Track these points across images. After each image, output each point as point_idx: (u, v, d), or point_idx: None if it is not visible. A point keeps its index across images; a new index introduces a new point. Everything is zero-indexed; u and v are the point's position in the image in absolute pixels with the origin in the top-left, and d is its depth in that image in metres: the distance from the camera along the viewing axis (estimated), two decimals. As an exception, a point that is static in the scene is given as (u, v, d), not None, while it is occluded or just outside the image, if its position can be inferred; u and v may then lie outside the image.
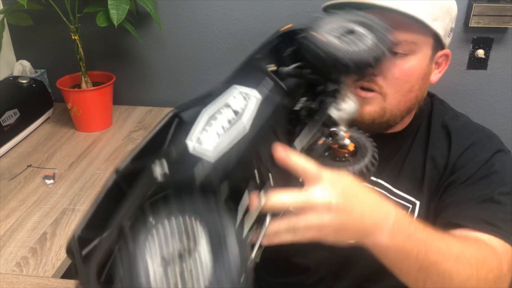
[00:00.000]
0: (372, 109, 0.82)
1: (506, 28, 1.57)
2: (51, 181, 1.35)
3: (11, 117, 1.53)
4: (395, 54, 0.80)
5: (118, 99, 1.85)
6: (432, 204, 0.88)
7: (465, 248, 0.68)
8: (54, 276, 1.00)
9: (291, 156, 0.57)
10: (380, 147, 0.85)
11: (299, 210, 0.55)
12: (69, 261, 1.07)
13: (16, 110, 1.56)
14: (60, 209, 1.23)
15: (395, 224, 0.60)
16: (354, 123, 0.78)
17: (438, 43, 0.86)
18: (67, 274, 1.04)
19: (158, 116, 1.81)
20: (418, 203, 0.89)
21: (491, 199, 0.80)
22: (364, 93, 0.82)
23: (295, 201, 0.55)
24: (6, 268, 1.02)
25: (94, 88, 1.61)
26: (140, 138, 1.63)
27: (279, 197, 0.55)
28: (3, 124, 1.50)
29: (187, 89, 1.88)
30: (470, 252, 0.68)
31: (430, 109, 0.96)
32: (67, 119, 1.73)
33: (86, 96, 1.61)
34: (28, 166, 1.44)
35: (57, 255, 1.06)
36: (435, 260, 0.63)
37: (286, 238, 0.56)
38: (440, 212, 0.85)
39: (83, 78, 1.63)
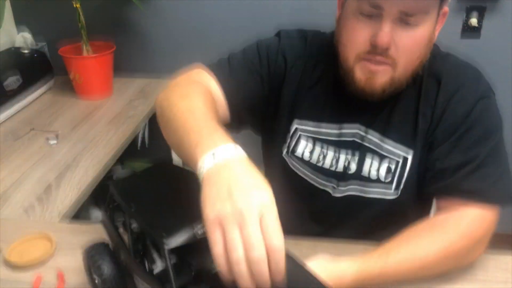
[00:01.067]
0: (383, 80, 0.82)
1: (498, -3, 1.61)
2: (55, 141, 1.38)
3: (14, 82, 1.56)
4: (407, 24, 0.78)
5: (118, 70, 1.88)
6: (423, 157, 0.90)
7: (427, 256, 0.77)
8: (60, 221, 1.04)
9: None
10: (373, 104, 0.88)
11: None
12: (74, 208, 1.11)
13: (18, 76, 1.59)
14: (64, 165, 1.26)
15: (358, 278, 0.72)
16: (364, 92, 0.83)
17: (442, 2, 0.86)
18: (73, 220, 1.08)
19: (157, 87, 1.84)
20: (410, 156, 0.89)
21: (474, 162, 0.82)
22: (375, 67, 0.81)
23: None
24: (14, 214, 1.05)
25: (95, 55, 1.64)
26: (140, 106, 1.66)
27: None
28: (6, 89, 1.53)
29: (186, 59, 1.91)
30: (433, 254, 0.77)
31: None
32: (68, 89, 1.77)
33: (87, 63, 1.64)
34: (31, 129, 1.47)
35: (62, 203, 1.10)
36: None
37: None
38: (427, 171, 0.88)
39: (84, 46, 1.66)
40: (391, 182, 0.90)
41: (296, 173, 0.96)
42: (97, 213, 1.75)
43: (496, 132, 0.86)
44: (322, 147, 0.93)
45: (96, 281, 0.79)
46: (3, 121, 1.52)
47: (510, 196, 0.83)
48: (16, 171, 1.23)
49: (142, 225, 0.67)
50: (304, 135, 0.94)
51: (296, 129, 0.95)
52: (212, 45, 1.96)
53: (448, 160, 0.85)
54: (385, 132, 0.91)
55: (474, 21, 1.65)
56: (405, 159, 0.89)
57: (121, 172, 2.17)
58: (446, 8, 0.89)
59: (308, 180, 0.96)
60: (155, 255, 0.73)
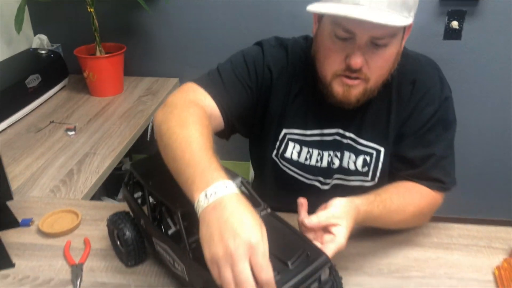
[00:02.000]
0: (357, 92, 0.92)
1: (477, 1, 1.75)
2: (73, 132, 1.53)
3: (34, 80, 1.71)
4: (377, 45, 0.86)
5: (128, 71, 2.03)
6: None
7: (406, 208, 0.95)
8: (83, 199, 1.19)
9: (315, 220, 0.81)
10: (350, 109, 1.00)
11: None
12: (94, 188, 1.26)
13: (38, 75, 1.74)
14: (82, 153, 1.41)
15: (365, 215, 0.87)
16: (341, 103, 0.94)
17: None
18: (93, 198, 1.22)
19: (164, 84, 1.99)
20: (382, 149, 1.02)
21: (437, 155, 0.99)
22: (350, 81, 0.91)
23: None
24: (42, 193, 1.20)
25: (107, 55, 1.79)
26: (149, 101, 1.81)
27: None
28: (28, 86, 1.68)
29: (192, 61, 2.07)
30: (409, 209, 0.95)
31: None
32: (82, 87, 1.92)
33: (100, 63, 1.79)
34: (51, 122, 1.62)
35: (84, 184, 1.24)
36: (392, 218, 0.94)
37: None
38: (397, 159, 1.03)
39: (97, 47, 1.81)
40: (367, 172, 1.04)
41: (286, 172, 1.09)
42: (108, 201, 1.90)
43: (452, 127, 1.02)
44: (308, 148, 1.06)
45: (119, 243, 0.93)
46: (25, 116, 1.66)
47: (455, 180, 1.03)
48: (40, 158, 1.38)
49: (159, 196, 0.81)
50: (292, 139, 1.06)
51: (285, 134, 1.06)
52: (216, 47, 2.12)
53: (414, 151, 1.00)
54: (360, 131, 1.03)
55: (455, 23, 1.80)
56: (378, 152, 1.03)
57: (129, 164, 2.32)
58: (411, 23, 0.94)
59: (298, 177, 1.08)
60: (170, 221, 0.87)
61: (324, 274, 0.69)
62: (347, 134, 1.03)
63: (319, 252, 0.70)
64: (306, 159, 1.06)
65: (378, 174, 1.04)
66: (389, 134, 1.02)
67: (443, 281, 0.88)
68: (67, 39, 2.09)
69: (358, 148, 1.03)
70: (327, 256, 0.70)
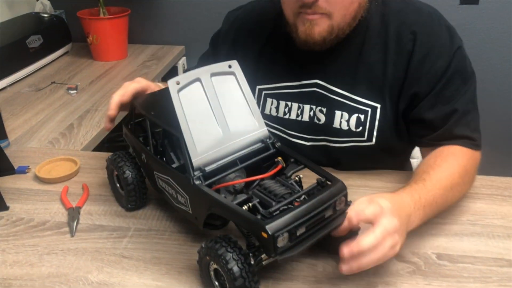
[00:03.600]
0: (320, 29, 0.85)
1: (496, -37, 1.68)
2: (75, 91, 1.48)
3: (35, 41, 1.66)
4: None
5: (133, 39, 1.97)
6: (396, 106, 0.92)
7: (453, 175, 0.83)
8: (82, 150, 1.13)
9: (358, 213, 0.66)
10: (330, 57, 0.92)
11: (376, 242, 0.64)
12: (95, 141, 1.20)
13: (39, 36, 1.68)
14: (84, 109, 1.36)
15: (414, 212, 0.74)
16: (306, 44, 0.88)
17: None
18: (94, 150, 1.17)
19: (169, 51, 1.93)
20: (379, 106, 0.92)
21: (459, 111, 0.89)
22: (310, 16, 0.85)
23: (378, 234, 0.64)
24: (40, 145, 1.15)
25: (111, 16, 1.73)
26: (153, 66, 1.75)
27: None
28: (29, 46, 1.62)
29: (198, 29, 2.00)
30: (456, 175, 0.83)
31: (381, 6, 0.93)
32: (85, 53, 1.86)
33: (104, 24, 1.73)
34: (52, 82, 1.57)
35: (84, 137, 1.19)
36: (445, 203, 0.81)
37: (366, 260, 0.63)
38: (414, 122, 0.92)
39: (101, 9, 1.75)
40: (362, 132, 0.94)
41: (269, 131, 1.01)
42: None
43: (471, 78, 0.92)
44: (286, 102, 0.99)
45: (118, 186, 0.88)
46: (26, 76, 1.61)
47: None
48: (40, 113, 1.32)
49: (162, 124, 0.76)
50: (268, 95, 1.00)
51: (260, 91, 1.00)
52: (223, 15, 2.04)
53: (434, 111, 0.90)
54: (351, 84, 0.93)
55: (473, -13, 1.72)
56: (374, 110, 0.92)
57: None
58: None
59: (281, 134, 1.00)
60: (173, 155, 0.81)
61: (340, 202, 0.64)
62: (335, 86, 0.94)
63: (336, 179, 0.66)
64: (285, 113, 0.99)
65: (375, 133, 0.93)
66: (385, 89, 0.91)
67: (466, 227, 0.81)
68: (70, 6, 2.03)
69: (351, 105, 0.93)
70: (343, 183, 0.65)
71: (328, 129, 0.96)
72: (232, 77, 0.72)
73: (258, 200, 0.65)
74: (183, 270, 0.73)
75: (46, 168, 1.01)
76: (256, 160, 0.72)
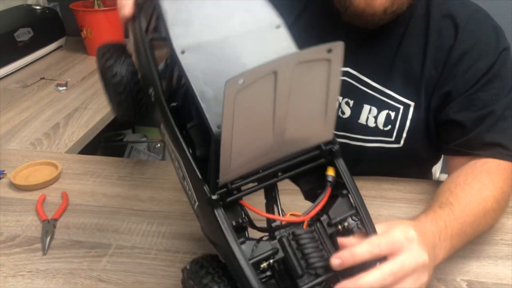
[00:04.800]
0: None
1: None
2: (64, 88, 1.37)
3: (24, 34, 1.55)
4: None
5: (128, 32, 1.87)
6: (429, 106, 0.83)
7: (487, 200, 0.70)
8: (66, 153, 1.03)
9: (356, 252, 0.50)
10: (366, 44, 0.82)
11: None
12: (82, 143, 1.10)
13: (29, 29, 1.58)
14: (72, 108, 1.25)
15: (440, 244, 0.61)
16: (362, 15, 0.76)
17: None
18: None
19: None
20: (412, 104, 0.83)
21: (494, 116, 0.78)
22: None
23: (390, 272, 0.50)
24: (21, 146, 1.04)
25: (106, 8, 1.62)
26: (151, 62, 1.64)
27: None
28: (17, 39, 1.52)
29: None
30: (491, 199, 0.70)
31: None
32: (79, 48, 1.75)
33: (98, 17, 1.62)
34: (41, 78, 1.47)
35: (69, 138, 1.08)
36: (475, 232, 0.68)
37: None
38: (443, 123, 0.82)
39: (96, 1, 1.65)
40: (391, 131, 0.84)
41: None
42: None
43: None
44: None
45: (108, 86, 0.64)
46: (14, 72, 1.51)
47: None
48: (25, 112, 1.22)
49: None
50: None
51: None
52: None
53: (466, 113, 0.80)
54: (386, 77, 0.83)
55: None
56: (406, 108, 0.83)
57: (132, 136, 2.17)
58: None
59: None
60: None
61: None
62: (361, 77, 0.84)
63: None
64: None
65: (404, 134, 0.84)
66: (421, 86, 0.82)
67: (500, 248, 0.70)
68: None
69: (382, 99, 0.83)
70: None
71: (351, 124, 0.85)
72: (324, 65, 0.46)
73: (282, 256, 0.49)
74: (169, 299, 0.62)
75: (24, 173, 0.91)
76: (300, 171, 0.52)
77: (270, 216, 0.51)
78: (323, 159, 0.52)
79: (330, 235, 0.52)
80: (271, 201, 0.54)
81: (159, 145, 2.07)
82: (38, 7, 1.73)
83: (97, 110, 1.23)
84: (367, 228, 0.51)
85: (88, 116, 1.20)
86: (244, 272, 0.46)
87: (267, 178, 0.51)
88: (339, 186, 0.52)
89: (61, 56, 1.70)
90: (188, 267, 0.52)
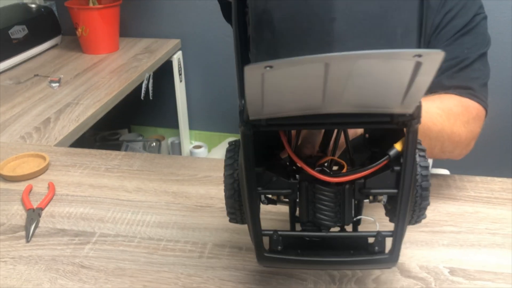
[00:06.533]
0: None
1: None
2: (57, 84, 1.38)
3: (19, 32, 1.56)
4: None
5: (125, 32, 1.87)
6: None
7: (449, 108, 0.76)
8: (56, 145, 1.03)
9: None
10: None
11: None
12: (72, 137, 1.10)
13: (24, 26, 1.58)
14: (64, 103, 1.25)
15: None
16: None
17: None
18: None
19: (163, 44, 1.83)
20: None
21: (464, 62, 0.83)
22: None
23: None
24: (10, 140, 1.04)
25: (100, 6, 1.63)
26: (145, 59, 1.65)
27: None
28: (12, 37, 1.53)
29: (195, 21, 1.90)
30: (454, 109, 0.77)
31: None
32: (75, 46, 1.76)
33: (93, 14, 1.63)
34: (35, 75, 1.47)
35: (59, 132, 1.08)
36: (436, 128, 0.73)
37: None
38: None
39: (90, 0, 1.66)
40: None
41: None
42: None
43: (484, 47, 0.86)
44: None
45: None
46: (8, 69, 1.51)
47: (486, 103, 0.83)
48: (16, 107, 1.22)
49: None
50: None
51: None
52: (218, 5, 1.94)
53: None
54: None
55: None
56: None
57: (128, 135, 2.17)
58: None
59: None
60: None
61: None
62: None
63: None
64: None
65: None
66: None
67: (484, 237, 0.70)
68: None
69: None
70: None
71: None
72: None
73: (297, 199, 0.47)
74: (150, 284, 0.62)
75: (12, 165, 0.91)
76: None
77: (299, 162, 0.46)
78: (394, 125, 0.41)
79: (357, 201, 0.48)
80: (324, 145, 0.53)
81: (154, 144, 2.07)
82: (33, 5, 1.74)
83: (89, 105, 1.24)
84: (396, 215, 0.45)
85: (79, 111, 1.20)
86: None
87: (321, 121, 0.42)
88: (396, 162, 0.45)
89: (56, 54, 1.71)
90: None
